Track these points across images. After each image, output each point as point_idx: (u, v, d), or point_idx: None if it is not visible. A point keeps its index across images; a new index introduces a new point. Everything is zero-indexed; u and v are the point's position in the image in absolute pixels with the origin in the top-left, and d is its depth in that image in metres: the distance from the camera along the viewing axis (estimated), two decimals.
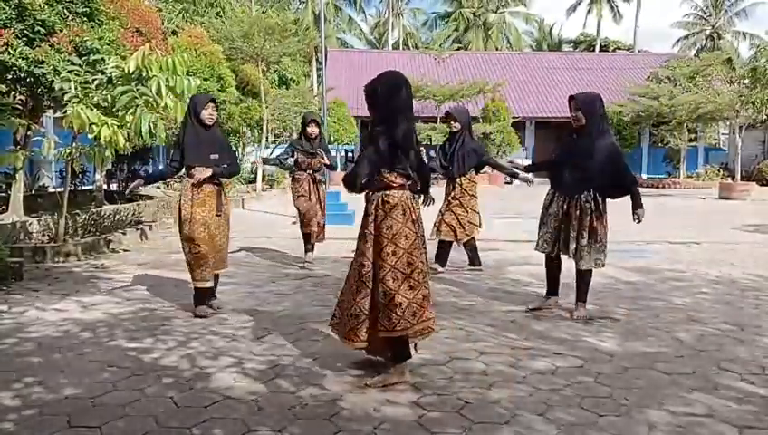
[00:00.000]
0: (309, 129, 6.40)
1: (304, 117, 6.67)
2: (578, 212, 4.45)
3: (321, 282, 5.82)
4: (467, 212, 6.08)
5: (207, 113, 4.50)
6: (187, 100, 5.05)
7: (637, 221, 4.49)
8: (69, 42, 6.82)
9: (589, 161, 4.40)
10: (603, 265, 4.56)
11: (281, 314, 4.62)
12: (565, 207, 4.53)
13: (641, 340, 4.04)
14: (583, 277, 4.58)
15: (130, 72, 5.25)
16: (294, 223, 4.96)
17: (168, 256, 7.23)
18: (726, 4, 41.33)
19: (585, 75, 29.06)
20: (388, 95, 3.26)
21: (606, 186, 4.45)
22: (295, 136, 9.17)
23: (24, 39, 6.79)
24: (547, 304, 4.80)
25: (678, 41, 42.74)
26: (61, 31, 6.92)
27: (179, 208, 4.50)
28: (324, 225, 6.61)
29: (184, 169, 4.58)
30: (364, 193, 3.35)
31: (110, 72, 5.79)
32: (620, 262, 6.84)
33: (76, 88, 5.97)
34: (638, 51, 39.51)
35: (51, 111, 9.18)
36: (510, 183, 20.88)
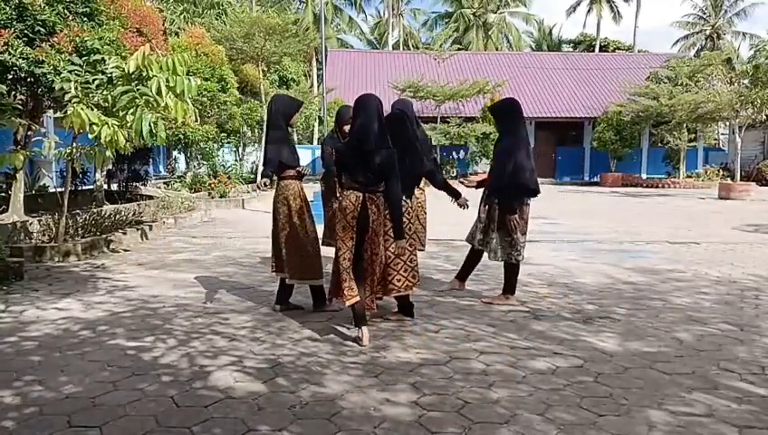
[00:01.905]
0: (348, 128, 5.00)
1: (344, 114, 5.33)
2: (487, 208, 4.90)
3: None
4: (425, 213, 5.24)
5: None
6: (188, 100, 5.06)
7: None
8: (69, 42, 6.82)
9: (492, 164, 4.91)
10: (517, 261, 4.81)
11: (281, 313, 4.62)
12: (486, 206, 4.94)
13: (641, 340, 4.04)
14: (505, 270, 4.94)
15: (130, 72, 5.24)
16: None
17: (168, 255, 7.24)
18: (726, 5, 41.39)
19: (585, 75, 29.06)
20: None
21: (501, 186, 4.74)
22: (295, 134, 8.88)
23: (25, 39, 6.79)
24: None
25: (678, 41, 42.83)
26: (61, 31, 6.92)
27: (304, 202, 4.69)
28: None
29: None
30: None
31: (111, 72, 5.78)
32: (620, 262, 6.85)
33: (76, 88, 5.97)
34: (638, 51, 39.53)
35: (51, 111, 9.18)
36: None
